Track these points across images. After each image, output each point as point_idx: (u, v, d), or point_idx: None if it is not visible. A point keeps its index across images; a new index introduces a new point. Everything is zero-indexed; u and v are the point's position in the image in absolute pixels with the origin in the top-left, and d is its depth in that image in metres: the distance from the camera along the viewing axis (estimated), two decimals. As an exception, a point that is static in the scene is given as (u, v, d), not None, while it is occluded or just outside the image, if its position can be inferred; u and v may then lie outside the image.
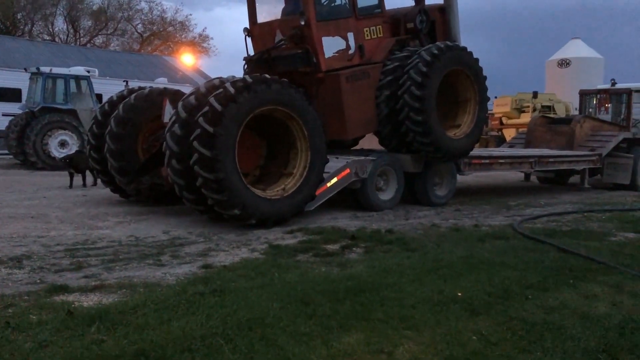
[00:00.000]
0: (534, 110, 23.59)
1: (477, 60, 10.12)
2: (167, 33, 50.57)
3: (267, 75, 7.89)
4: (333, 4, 9.63)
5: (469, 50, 10.03)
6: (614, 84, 16.59)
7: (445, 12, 10.79)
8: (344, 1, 9.57)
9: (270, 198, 7.83)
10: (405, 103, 9.27)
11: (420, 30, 10.23)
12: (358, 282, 4.86)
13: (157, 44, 50.81)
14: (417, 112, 9.20)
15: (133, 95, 9.66)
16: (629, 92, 15.21)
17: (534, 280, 5.09)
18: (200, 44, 50.06)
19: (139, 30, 50.25)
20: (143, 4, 49.25)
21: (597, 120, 14.83)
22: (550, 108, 24.41)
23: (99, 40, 49.02)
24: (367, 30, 9.69)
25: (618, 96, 16.04)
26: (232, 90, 7.39)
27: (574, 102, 21.63)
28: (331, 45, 9.22)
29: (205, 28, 61.35)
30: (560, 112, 23.89)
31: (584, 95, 16.68)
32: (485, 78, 10.27)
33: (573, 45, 33.34)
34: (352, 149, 11.16)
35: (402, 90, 9.32)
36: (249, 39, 9.75)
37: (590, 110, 16.42)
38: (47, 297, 4.49)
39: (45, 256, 5.97)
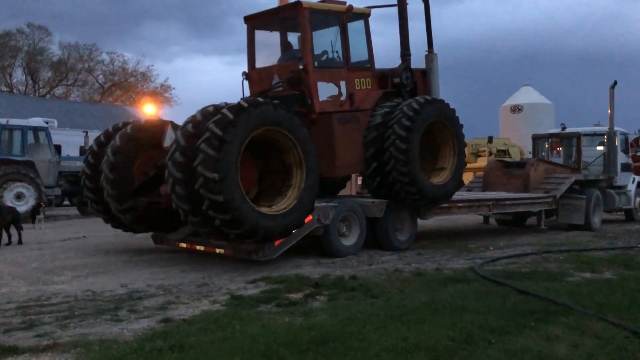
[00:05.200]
0: (490, 154, 24.27)
1: (458, 118, 10.90)
2: (128, 83, 50.51)
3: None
4: (326, 57, 10.32)
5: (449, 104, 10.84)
6: (564, 128, 17.27)
7: (426, 75, 11.68)
8: (337, 54, 10.30)
9: (254, 206, 8.04)
10: (393, 131, 9.90)
11: (405, 86, 11.01)
12: (321, 332, 4.79)
13: (119, 94, 50.64)
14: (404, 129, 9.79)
15: (129, 126, 9.90)
16: (578, 136, 15.88)
17: (496, 324, 5.12)
18: (162, 93, 50.11)
19: (99, 81, 50.12)
20: (104, 55, 49.17)
21: (550, 163, 15.35)
22: (505, 152, 25.18)
23: (59, 91, 48.62)
24: (357, 81, 10.41)
25: (568, 140, 16.71)
26: (245, 104, 7.98)
27: (528, 146, 22.39)
28: (325, 91, 9.89)
29: (168, 78, 61.52)
30: (515, 156, 24.66)
31: (537, 139, 17.31)
32: (463, 136, 11.05)
33: (524, 92, 34.79)
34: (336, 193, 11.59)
35: (392, 122, 9.98)
36: (246, 83, 10.45)
37: (543, 153, 17.02)
38: (-5, 360, 4.26)
39: (-5, 315, 5.70)
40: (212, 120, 7.82)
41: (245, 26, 10.62)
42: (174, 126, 9.09)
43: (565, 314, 5.53)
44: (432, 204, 10.46)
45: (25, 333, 5.06)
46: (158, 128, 9.55)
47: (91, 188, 10.13)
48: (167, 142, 8.74)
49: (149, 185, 9.47)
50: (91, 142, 17.97)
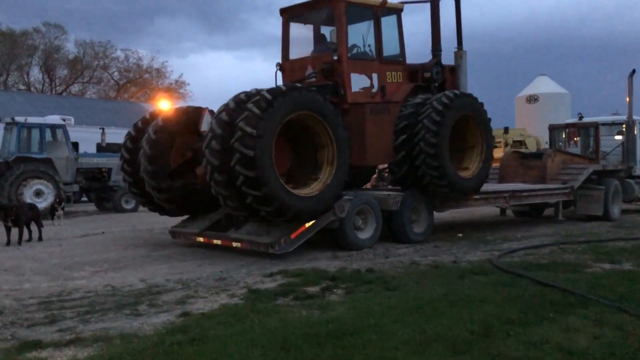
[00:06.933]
0: (506, 145, 24.03)
1: (491, 129, 11.16)
2: (143, 80, 50.83)
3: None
4: (359, 49, 10.56)
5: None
6: (581, 118, 17.06)
7: (454, 72, 11.87)
8: (370, 48, 10.54)
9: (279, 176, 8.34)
10: (423, 126, 10.10)
11: (435, 80, 11.25)
12: (339, 325, 4.81)
13: (134, 91, 50.98)
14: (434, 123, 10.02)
15: (160, 117, 10.25)
16: (596, 125, 15.65)
17: (515, 315, 5.11)
18: (177, 89, 50.38)
19: (115, 78, 50.48)
20: (119, 52, 49.50)
21: (567, 153, 15.16)
22: (521, 143, 24.89)
23: (75, 88, 49.03)
24: (389, 74, 10.68)
25: (586, 130, 16.49)
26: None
27: (544, 137, 22.12)
28: (357, 82, 10.19)
29: (182, 74, 61.87)
30: (531, 147, 24.37)
31: (553, 129, 17.11)
32: (490, 130, 11.23)
33: (540, 82, 34.31)
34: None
35: (423, 116, 10.16)
36: (279, 73, 10.83)
37: (560, 144, 16.82)
38: (19, 354, 4.35)
39: (18, 310, 5.81)
40: (266, 89, 8.40)
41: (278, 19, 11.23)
42: (211, 112, 9.52)
43: (585, 305, 5.49)
44: (451, 190, 10.38)
45: (48, 328, 5.15)
46: (194, 114, 10.04)
47: (132, 182, 10.59)
48: (204, 126, 9.33)
49: (185, 167, 9.88)
50: (108, 139, 18.12)
